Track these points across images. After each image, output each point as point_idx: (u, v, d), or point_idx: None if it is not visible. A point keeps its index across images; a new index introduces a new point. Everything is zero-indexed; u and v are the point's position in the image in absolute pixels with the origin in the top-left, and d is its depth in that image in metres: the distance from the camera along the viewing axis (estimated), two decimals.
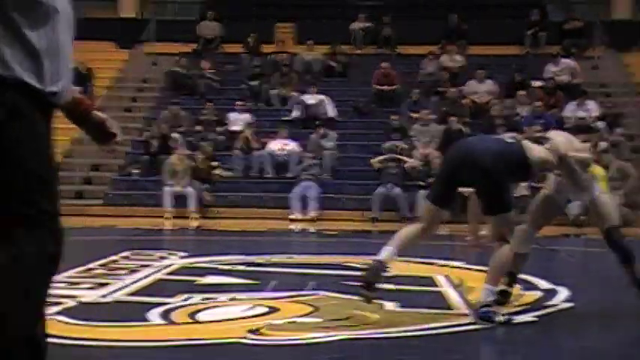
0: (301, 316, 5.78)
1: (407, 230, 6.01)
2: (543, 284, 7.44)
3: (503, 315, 5.60)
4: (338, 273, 7.97)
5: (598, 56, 21.62)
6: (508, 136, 6.44)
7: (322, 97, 18.90)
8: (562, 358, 4.99)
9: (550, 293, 6.98)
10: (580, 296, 6.98)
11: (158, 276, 7.79)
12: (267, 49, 21.53)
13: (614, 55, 21.19)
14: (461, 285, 7.41)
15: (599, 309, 6.72)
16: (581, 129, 17.46)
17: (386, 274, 5.79)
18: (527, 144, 5.98)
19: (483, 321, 5.47)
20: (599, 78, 20.99)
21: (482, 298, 5.64)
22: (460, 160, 5.84)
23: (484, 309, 5.56)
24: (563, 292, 7.01)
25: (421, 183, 16.08)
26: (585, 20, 22.45)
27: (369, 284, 5.58)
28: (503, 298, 6.20)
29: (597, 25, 22.08)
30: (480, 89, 19.19)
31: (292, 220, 15.61)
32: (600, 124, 17.73)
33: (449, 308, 6.36)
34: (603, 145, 16.75)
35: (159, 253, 9.49)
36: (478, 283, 7.47)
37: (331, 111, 18.76)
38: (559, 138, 6.31)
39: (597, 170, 6.50)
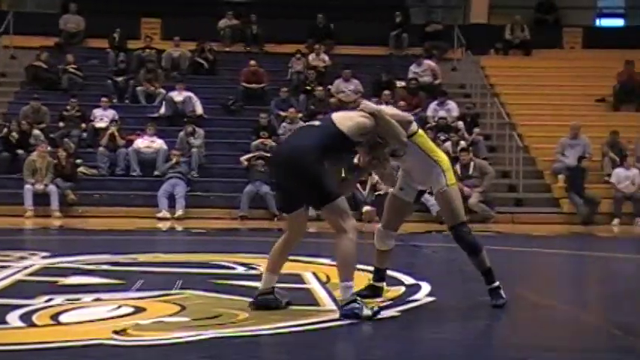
0: (168, 315, 5.71)
1: (275, 248, 5.93)
2: (407, 279, 7.59)
3: (369, 308, 5.55)
4: (206, 271, 7.92)
5: (457, 58, 22.24)
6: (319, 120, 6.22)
7: (190, 94, 18.79)
8: (420, 351, 5.11)
9: (413, 288, 7.11)
10: (441, 290, 7.16)
11: (18, 277, 7.55)
12: (133, 44, 21.24)
13: (472, 58, 21.84)
14: (328, 281, 7.45)
15: (459, 302, 6.94)
16: (442, 128, 17.97)
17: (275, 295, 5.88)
18: (337, 116, 5.84)
19: (349, 318, 5.44)
20: (459, 79, 21.63)
21: (342, 296, 5.60)
22: (278, 165, 5.85)
23: (347, 306, 5.51)
24: (425, 287, 7.16)
25: None
26: (445, 24, 23.08)
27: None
28: (372, 292, 6.32)
29: (456, 29, 22.72)
30: (347, 88, 19.44)
31: (159, 219, 15.47)
32: (460, 124, 18.25)
33: (317, 305, 6.37)
34: (463, 144, 17.27)
35: (18, 254, 9.19)
36: None
37: (199, 108, 18.64)
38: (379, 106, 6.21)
39: (444, 160, 6.26)
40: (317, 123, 5.94)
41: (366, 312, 5.50)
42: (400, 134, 5.83)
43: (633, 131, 18.63)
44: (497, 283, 6.26)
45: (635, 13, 27.62)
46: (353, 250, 5.59)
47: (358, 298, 5.65)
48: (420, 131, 6.19)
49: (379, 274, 6.48)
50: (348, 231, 5.57)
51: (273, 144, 17.15)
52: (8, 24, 21.19)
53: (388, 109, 6.10)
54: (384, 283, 6.52)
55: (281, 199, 6.01)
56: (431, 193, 6.89)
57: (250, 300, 5.84)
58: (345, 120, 5.74)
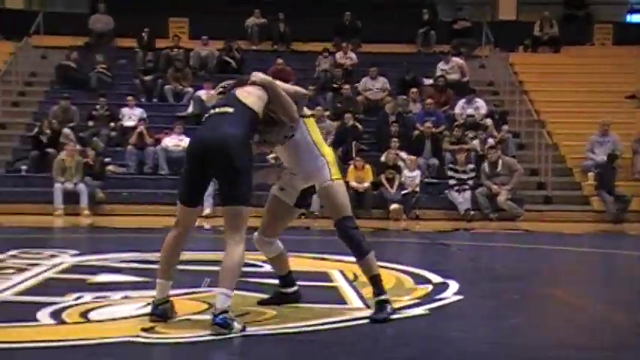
0: (197, 313, 5.73)
1: (166, 249, 5.54)
2: (435, 278, 7.58)
3: (239, 323, 5.15)
4: None
5: (485, 55, 22.12)
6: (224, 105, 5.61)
7: None
8: (451, 350, 5.08)
9: (441, 287, 7.10)
10: (469, 289, 7.13)
11: (48, 275, 7.61)
12: (161, 43, 21.29)
13: (501, 55, 21.70)
14: (355, 280, 7.45)
15: (486, 300, 6.88)
16: (470, 126, 17.89)
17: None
18: (241, 94, 5.54)
19: (221, 328, 5.01)
20: (487, 76, 21.50)
21: (218, 305, 5.11)
22: (204, 152, 5.29)
23: (222, 315, 5.06)
24: (453, 286, 7.14)
25: None
26: (473, 21, 22.95)
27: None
28: (291, 298, 6.04)
29: (484, 26, 22.59)
30: (374, 86, 19.41)
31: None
32: (488, 122, 18.15)
33: (344, 303, 6.38)
34: (491, 141, 17.19)
35: (48, 252, 9.25)
36: None
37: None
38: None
39: (329, 154, 5.91)
40: (231, 110, 5.44)
41: (237, 326, 5.10)
42: (292, 108, 5.58)
43: None
44: (385, 296, 5.73)
45: None
46: (242, 262, 5.27)
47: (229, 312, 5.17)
48: (312, 118, 5.96)
49: (284, 281, 6.08)
50: (242, 240, 5.25)
51: None
52: (39, 24, 21.35)
53: (280, 83, 5.75)
54: (296, 287, 6.09)
55: (189, 190, 5.43)
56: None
57: (150, 311, 5.39)
58: (248, 96, 5.49)
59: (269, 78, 5.68)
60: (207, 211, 15.65)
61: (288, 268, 6.09)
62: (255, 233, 5.96)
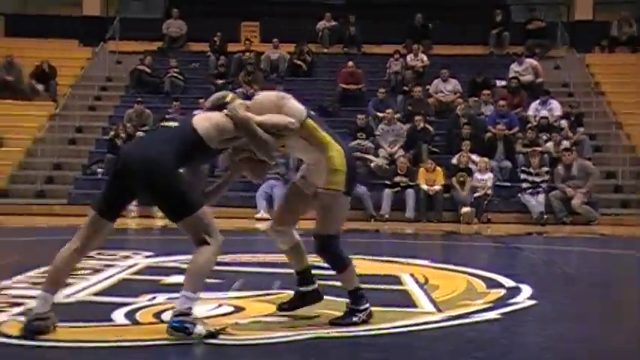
0: (267, 315, 5.75)
1: (60, 259, 5.09)
2: (508, 282, 7.49)
3: (205, 327, 4.93)
4: None
5: (560, 56, 21.80)
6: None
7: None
8: (525, 356, 5.01)
9: (514, 291, 7.01)
10: (543, 293, 7.02)
11: (123, 276, 7.74)
12: (232, 47, 21.49)
13: (576, 56, 21.37)
14: (426, 283, 7.43)
15: (560, 305, 6.74)
16: (544, 128, 17.65)
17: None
18: (199, 116, 5.19)
19: (176, 331, 4.82)
20: (562, 78, 21.18)
21: (177, 306, 4.94)
22: (122, 169, 4.99)
23: (178, 318, 4.85)
24: (526, 290, 7.05)
25: (387, 182, 16.17)
26: (548, 21, 22.63)
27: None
28: (309, 298, 5.76)
29: (559, 26, 22.26)
30: (445, 88, 19.29)
31: (258, 219, 15.57)
32: (563, 123, 17.89)
33: (415, 306, 6.36)
34: (566, 143, 16.93)
35: (123, 253, 9.41)
36: (442, 281, 7.55)
37: None
38: (260, 95, 5.50)
39: (333, 146, 5.36)
40: (173, 124, 5.29)
41: (199, 330, 4.86)
42: (266, 147, 5.17)
43: None
44: (360, 307, 5.46)
45: None
46: (211, 265, 5.04)
47: (194, 315, 4.95)
48: (310, 120, 5.41)
49: (302, 278, 5.75)
50: (212, 244, 4.98)
51: (371, 145, 17.14)
52: (114, 30, 21.73)
53: (262, 118, 5.16)
54: (315, 285, 5.78)
55: (108, 200, 5.06)
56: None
57: (29, 329, 4.93)
58: (202, 121, 5.10)
59: (243, 115, 5.12)
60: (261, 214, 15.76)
61: (307, 263, 5.77)
62: (270, 224, 5.80)
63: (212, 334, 4.93)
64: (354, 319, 5.44)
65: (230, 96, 5.41)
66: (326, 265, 5.65)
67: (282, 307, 5.73)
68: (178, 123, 5.23)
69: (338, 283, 5.69)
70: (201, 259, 4.99)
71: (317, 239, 5.45)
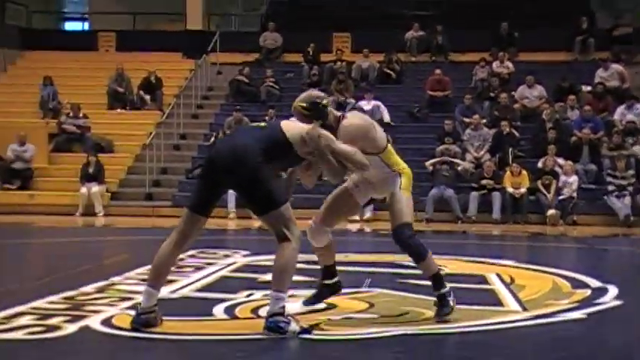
0: (358, 312, 5.79)
1: (163, 254, 5.18)
2: (594, 282, 7.37)
3: (298, 324, 4.97)
4: (393, 271, 7.94)
5: None
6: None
7: (378, 102, 18.88)
8: (606, 354, 4.90)
9: (600, 291, 6.89)
10: (629, 294, 6.88)
11: (222, 273, 7.88)
12: (325, 57, 21.58)
13: None
14: (512, 283, 7.37)
15: None
16: (630, 132, 17.24)
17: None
18: (287, 122, 5.26)
19: (272, 332, 4.87)
20: None
21: (269, 308, 4.98)
22: (214, 161, 5.09)
23: (272, 319, 4.90)
24: (612, 290, 6.91)
25: (473, 185, 16.05)
26: (634, 26, 22.09)
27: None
28: (332, 290, 5.82)
29: None
30: (531, 94, 19.02)
31: (350, 221, 15.59)
32: None
33: (501, 305, 6.32)
34: None
35: (223, 252, 9.58)
36: (528, 281, 7.47)
37: (386, 116, 18.71)
38: (352, 120, 5.45)
39: (404, 170, 5.57)
40: (263, 124, 5.36)
41: (293, 327, 4.89)
42: (336, 176, 5.33)
43: None
44: (445, 289, 5.49)
45: None
46: (294, 261, 5.07)
47: (287, 313, 5.00)
48: (389, 146, 5.57)
49: (327, 272, 5.83)
50: (292, 240, 5.02)
51: (458, 150, 17.01)
52: (215, 42, 22.09)
53: (371, 134, 5.38)
54: (337, 278, 5.85)
55: (200, 198, 5.16)
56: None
57: (138, 322, 5.06)
58: (292, 126, 5.18)
59: (322, 144, 5.12)
60: (367, 215, 15.76)
61: (334, 259, 5.85)
62: (311, 221, 5.77)
63: (305, 331, 4.97)
64: (446, 309, 5.45)
65: (325, 100, 5.43)
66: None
67: (308, 302, 5.79)
68: (266, 124, 5.30)
69: (423, 282, 5.66)
70: (283, 258, 5.02)
71: (393, 230, 5.50)
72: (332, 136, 5.21)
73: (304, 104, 5.34)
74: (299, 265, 8.11)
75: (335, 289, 5.87)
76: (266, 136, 5.07)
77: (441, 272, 5.68)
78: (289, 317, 4.98)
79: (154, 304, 5.08)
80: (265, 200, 4.97)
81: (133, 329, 5.03)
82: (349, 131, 5.35)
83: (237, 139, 5.23)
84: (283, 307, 4.95)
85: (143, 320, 5.04)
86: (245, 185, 4.99)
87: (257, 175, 4.92)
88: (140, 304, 5.15)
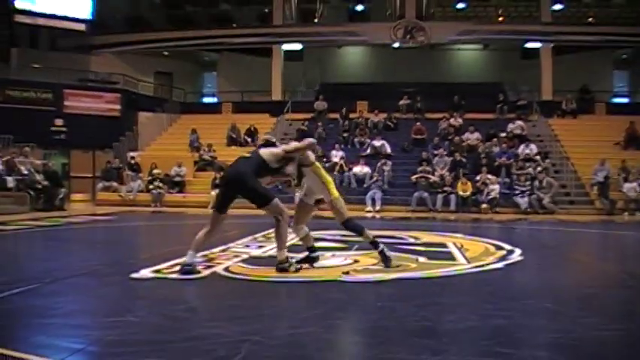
0: (372, 265, 5.72)
1: (199, 237, 5.00)
2: (507, 246, 7.14)
3: (293, 266, 5.06)
4: (392, 241, 7.84)
5: (535, 119, 20.77)
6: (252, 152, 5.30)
7: (383, 141, 18.85)
8: (518, 287, 4.75)
9: (511, 252, 6.65)
10: (528, 253, 6.64)
11: (293, 242, 7.87)
12: (352, 115, 21.54)
13: (543, 119, 20.38)
14: (461, 247, 7.29)
15: (540, 260, 6.41)
16: (527, 159, 16.94)
17: (196, 267, 5.03)
18: (263, 150, 5.16)
19: (281, 272, 4.98)
20: (536, 132, 20.19)
21: (278, 258, 5.05)
22: (227, 182, 5.02)
23: (281, 266, 5.01)
24: (517, 251, 6.70)
25: (439, 190, 15.95)
26: (528, 100, 21.73)
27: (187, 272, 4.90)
28: (311, 260, 5.48)
29: (534, 103, 21.29)
30: (472, 137, 18.86)
31: (367, 211, 15.61)
32: (537, 157, 17.19)
33: (454, 260, 6.23)
34: (539, 168, 16.29)
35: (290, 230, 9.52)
36: (470, 246, 7.38)
37: (388, 150, 18.68)
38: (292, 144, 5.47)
39: (328, 182, 5.44)
40: (249, 155, 5.17)
41: (293, 267, 5.03)
42: (301, 148, 5.26)
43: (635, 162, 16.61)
44: (381, 247, 5.41)
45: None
46: (285, 231, 5.03)
47: (289, 259, 5.07)
48: (316, 163, 5.49)
49: (310, 249, 5.53)
50: (282, 220, 4.98)
51: (430, 169, 16.87)
52: (288, 107, 22.04)
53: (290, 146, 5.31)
54: (317, 253, 5.60)
55: (221, 203, 5.01)
56: None
57: (182, 271, 4.89)
58: (266, 153, 5.14)
59: (285, 148, 5.25)
60: (377, 208, 15.71)
61: (312, 242, 5.57)
62: (292, 223, 5.42)
63: (298, 269, 5.03)
64: (387, 261, 5.41)
65: (269, 138, 5.44)
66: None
67: (299, 262, 5.50)
68: (251, 154, 5.17)
69: (409, 247, 5.56)
70: (282, 230, 5.01)
71: (343, 224, 5.47)
72: (290, 145, 5.30)
73: (266, 139, 5.46)
74: (339, 237, 8.06)
75: (315, 259, 5.51)
76: (254, 163, 5.02)
77: (375, 239, 5.51)
78: (288, 262, 5.01)
79: (192, 262, 4.94)
80: (262, 199, 4.96)
81: (182, 273, 4.82)
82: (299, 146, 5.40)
83: (239, 168, 5.04)
84: (287, 257, 5.02)
85: (186, 270, 4.88)
86: (248, 194, 4.95)
87: (254, 187, 4.92)
88: (185, 262, 4.95)
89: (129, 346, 2.94)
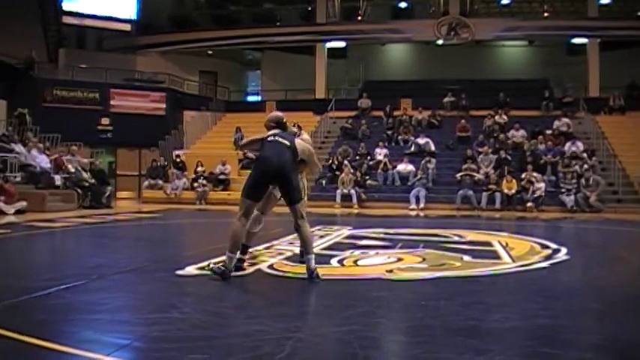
0: (416, 263, 5.71)
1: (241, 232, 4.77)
2: (553, 245, 6.97)
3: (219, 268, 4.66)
4: (436, 239, 7.81)
5: (582, 117, 20.11)
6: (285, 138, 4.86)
7: (428, 139, 18.66)
8: (563, 285, 4.58)
9: (556, 251, 6.47)
10: (573, 252, 6.50)
11: (336, 240, 7.85)
12: (396, 113, 21.37)
13: (590, 116, 19.71)
14: (506, 246, 7.16)
15: (586, 260, 6.26)
16: (574, 157, 16.45)
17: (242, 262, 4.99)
18: (300, 143, 4.92)
19: (315, 278, 4.65)
20: (582, 129, 19.54)
21: (308, 264, 4.71)
22: (269, 171, 4.66)
23: (313, 272, 4.70)
24: (563, 250, 6.52)
25: (484, 188, 15.69)
26: (574, 97, 21.08)
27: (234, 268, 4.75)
28: (240, 261, 5.07)
29: (581, 100, 20.57)
30: (517, 135, 18.47)
31: (411, 209, 15.49)
32: (584, 155, 16.68)
33: (500, 259, 6.12)
34: (586, 166, 15.86)
35: (335, 227, 9.55)
36: (516, 245, 7.22)
37: (433, 147, 18.46)
38: (305, 136, 5.37)
39: (306, 184, 5.28)
40: (288, 143, 4.77)
41: (317, 271, 4.70)
42: (315, 170, 5.20)
43: None
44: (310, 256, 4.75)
45: None
46: (310, 232, 4.79)
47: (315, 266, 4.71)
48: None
49: (244, 248, 5.13)
50: (305, 222, 4.71)
51: (475, 167, 16.59)
52: (332, 105, 22.05)
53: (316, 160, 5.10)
54: (247, 256, 5.31)
55: (258, 193, 4.73)
56: None
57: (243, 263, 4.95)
58: (298, 143, 4.87)
59: (311, 150, 5.02)
60: (421, 206, 15.57)
61: (250, 243, 5.25)
62: (256, 212, 5.08)
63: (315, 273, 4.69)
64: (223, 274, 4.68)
65: (285, 119, 5.11)
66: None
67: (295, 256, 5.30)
68: (287, 139, 4.81)
69: (456, 246, 5.46)
70: (306, 231, 4.74)
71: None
72: (313, 150, 5.09)
73: (274, 122, 5.05)
74: (381, 235, 8.08)
75: (241, 261, 5.10)
76: (292, 155, 4.74)
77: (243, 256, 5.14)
78: (315, 268, 4.69)
79: (233, 264, 4.70)
80: (298, 195, 4.72)
81: (221, 275, 4.60)
82: (307, 139, 5.32)
83: (281, 157, 4.69)
84: (314, 261, 4.72)
85: (219, 270, 4.67)
86: (287, 187, 4.68)
87: (292, 176, 4.68)
88: (218, 263, 4.87)
89: (174, 342, 2.96)
